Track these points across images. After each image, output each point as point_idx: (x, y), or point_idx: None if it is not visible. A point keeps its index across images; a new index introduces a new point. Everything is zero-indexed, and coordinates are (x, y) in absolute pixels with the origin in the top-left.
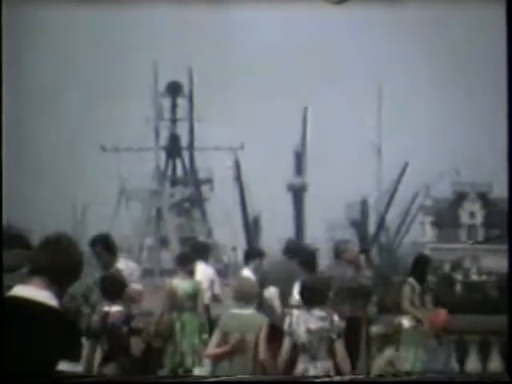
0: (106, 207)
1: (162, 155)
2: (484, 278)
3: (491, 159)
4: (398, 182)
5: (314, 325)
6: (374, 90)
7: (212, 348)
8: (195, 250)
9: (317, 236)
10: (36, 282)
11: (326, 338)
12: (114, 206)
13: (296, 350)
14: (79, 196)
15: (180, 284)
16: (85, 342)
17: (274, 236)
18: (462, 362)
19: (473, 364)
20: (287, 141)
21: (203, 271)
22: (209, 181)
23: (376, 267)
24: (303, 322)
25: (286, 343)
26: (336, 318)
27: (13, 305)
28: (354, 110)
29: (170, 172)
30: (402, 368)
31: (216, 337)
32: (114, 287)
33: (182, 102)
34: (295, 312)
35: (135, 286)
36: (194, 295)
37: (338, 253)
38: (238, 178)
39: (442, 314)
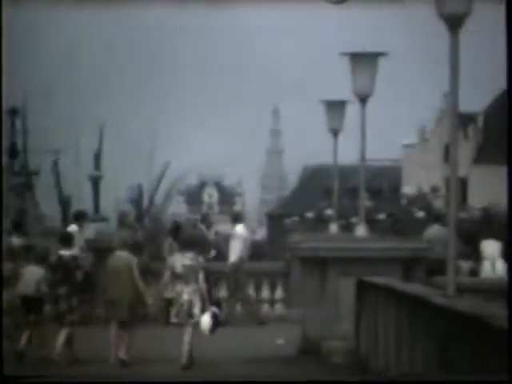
0: None
1: (6, 156)
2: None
3: (227, 159)
4: (163, 173)
5: (187, 262)
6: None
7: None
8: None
9: (108, 210)
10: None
11: (194, 271)
12: None
13: (175, 277)
14: None
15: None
16: (46, 272)
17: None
18: (257, 289)
19: (265, 293)
20: (90, 146)
21: None
22: (37, 172)
23: (147, 230)
24: (179, 260)
25: (168, 273)
26: (200, 258)
27: None
28: (136, 122)
29: (11, 166)
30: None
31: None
32: (68, 241)
33: (18, 120)
34: (175, 254)
35: None
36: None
37: (121, 220)
38: (55, 170)
39: None
